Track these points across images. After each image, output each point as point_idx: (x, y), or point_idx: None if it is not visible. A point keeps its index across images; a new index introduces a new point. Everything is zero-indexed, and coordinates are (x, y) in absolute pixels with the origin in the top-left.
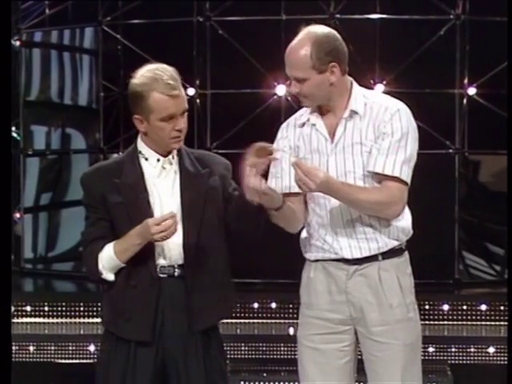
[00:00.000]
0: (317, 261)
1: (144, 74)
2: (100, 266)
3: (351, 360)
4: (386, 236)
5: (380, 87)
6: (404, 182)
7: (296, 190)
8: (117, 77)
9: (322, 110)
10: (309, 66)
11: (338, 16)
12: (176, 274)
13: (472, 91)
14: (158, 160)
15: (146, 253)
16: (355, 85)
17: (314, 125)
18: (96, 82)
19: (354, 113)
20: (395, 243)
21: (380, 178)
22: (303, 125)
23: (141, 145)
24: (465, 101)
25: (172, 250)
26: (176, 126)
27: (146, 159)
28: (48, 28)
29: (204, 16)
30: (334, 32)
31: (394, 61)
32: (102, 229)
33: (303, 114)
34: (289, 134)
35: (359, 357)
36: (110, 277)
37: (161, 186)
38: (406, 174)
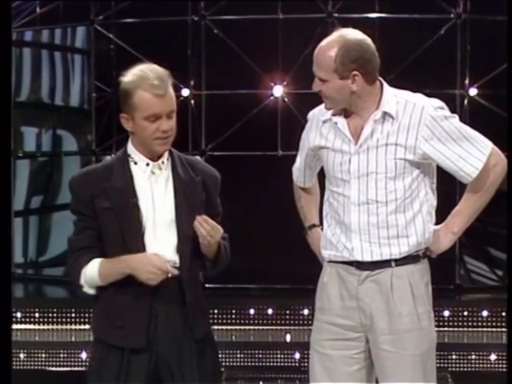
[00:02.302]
0: (331, 262)
1: (133, 72)
2: (82, 281)
3: (364, 367)
4: (401, 243)
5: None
6: (487, 152)
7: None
8: (109, 77)
9: (345, 111)
10: (331, 69)
11: (335, 15)
12: (170, 275)
13: (473, 92)
14: (148, 164)
15: (136, 251)
16: (386, 86)
17: (335, 123)
18: (88, 82)
19: (386, 114)
20: (410, 251)
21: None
22: (325, 121)
23: (130, 148)
24: (466, 101)
25: (166, 253)
26: (161, 126)
27: (136, 163)
28: (39, 27)
29: (199, 15)
30: (368, 41)
31: (394, 61)
32: (88, 238)
33: (325, 110)
34: (312, 126)
35: None
36: (90, 291)
37: (153, 190)
38: (482, 145)
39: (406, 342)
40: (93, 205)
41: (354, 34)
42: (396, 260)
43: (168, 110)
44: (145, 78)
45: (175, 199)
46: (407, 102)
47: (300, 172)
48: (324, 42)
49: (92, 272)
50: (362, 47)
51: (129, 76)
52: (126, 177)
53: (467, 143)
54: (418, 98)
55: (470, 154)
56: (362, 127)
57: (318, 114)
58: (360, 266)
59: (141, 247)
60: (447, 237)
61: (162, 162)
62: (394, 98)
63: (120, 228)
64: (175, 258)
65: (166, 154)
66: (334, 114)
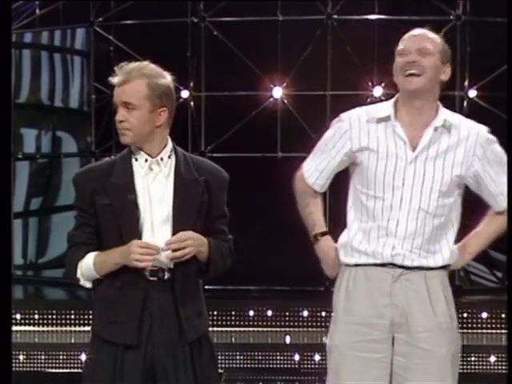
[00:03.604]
0: (357, 265)
1: None
2: (78, 274)
3: (389, 373)
4: (439, 259)
5: (379, 89)
6: None
7: (322, 190)
8: (109, 79)
9: (405, 115)
10: (436, 51)
11: (335, 17)
12: (166, 277)
13: (472, 93)
14: (146, 160)
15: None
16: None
17: (393, 126)
18: (87, 83)
19: (446, 123)
20: (442, 264)
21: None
22: (380, 121)
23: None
24: (465, 103)
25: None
26: (117, 116)
27: (137, 159)
28: (38, 28)
29: (198, 16)
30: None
31: (393, 63)
32: (86, 234)
33: (382, 108)
34: (353, 128)
35: None
36: (87, 284)
37: (150, 187)
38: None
39: (441, 340)
40: (93, 201)
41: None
42: (430, 268)
43: (121, 100)
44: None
45: (173, 198)
46: (462, 120)
47: (322, 175)
48: (425, 30)
49: (87, 264)
50: (446, 45)
51: None
52: (126, 173)
53: (504, 180)
54: (469, 120)
55: (504, 191)
56: (420, 135)
57: (362, 115)
58: (394, 266)
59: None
60: (463, 256)
61: (161, 159)
62: (447, 111)
63: (117, 225)
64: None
65: (168, 151)
66: (391, 114)
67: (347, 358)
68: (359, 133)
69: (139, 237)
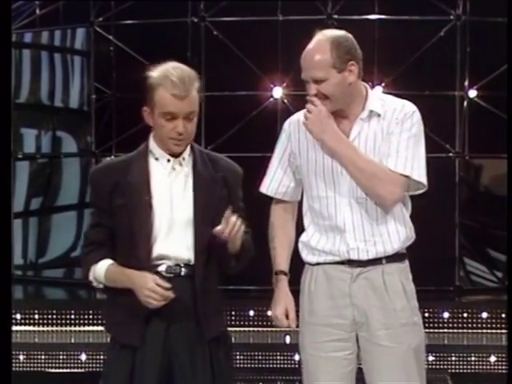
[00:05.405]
0: (318, 264)
1: (161, 68)
2: (91, 277)
3: (354, 369)
4: (394, 241)
5: (379, 89)
6: (407, 178)
7: (287, 197)
8: (109, 79)
9: (333, 114)
10: (329, 65)
11: (335, 17)
12: (183, 273)
13: (473, 93)
14: (169, 160)
15: (144, 254)
16: (370, 90)
17: None
18: (88, 83)
19: (373, 113)
20: (401, 246)
21: None
22: None
23: (152, 144)
24: (465, 103)
25: (179, 251)
26: (176, 127)
27: (157, 159)
28: (38, 29)
29: (198, 16)
30: (349, 34)
31: (393, 62)
32: (99, 234)
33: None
34: (292, 134)
35: (358, 365)
36: (100, 286)
37: (172, 188)
38: (418, 173)
39: (402, 336)
40: (110, 200)
41: (335, 30)
42: (387, 257)
43: (185, 112)
44: (168, 76)
45: (194, 197)
46: (391, 103)
47: (274, 179)
48: (311, 45)
49: (99, 273)
50: (349, 39)
51: (156, 71)
52: (143, 172)
53: (410, 151)
54: (400, 100)
55: (407, 157)
56: (349, 128)
57: (300, 118)
58: (351, 264)
59: (147, 248)
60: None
61: (183, 159)
62: (379, 100)
63: (130, 226)
64: (189, 257)
65: (188, 150)
66: None
67: (313, 358)
68: (298, 135)
69: (149, 239)
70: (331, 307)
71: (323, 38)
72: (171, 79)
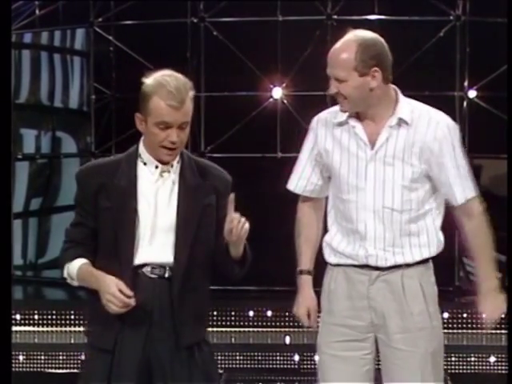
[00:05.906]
0: (338, 265)
1: (156, 76)
2: (65, 274)
3: (371, 369)
4: (415, 253)
5: None
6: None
7: (314, 194)
8: (109, 79)
9: (360, 116)
10: (351, 67)
11: (335, 17)
12: (167, 275)
13: (472, 94)
14: (157, 167)
15: (126, 258)
16: (401, 94)
17: (353, 127)
18: (87, 84)
19: (401, 121)
20: (422, 259)
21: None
22: (340, 124)
23: (142, 148)
24: (465, 104)
25: (161, 257)
26: (169, 136)
27: (145, 164)
28: (38, 29)
29: (198, 17)
30: (381, 39)
31: (393, 63)
32: (80, 233)
33: (339, 112)
34: (319, 134)
35: (377, 366)
36: (74, 283)
37: (158, 194)
38: (474, 187)
39: (419, 340)
40: (95, 201)
41: (367, 32)
42: (408, 264)
43: (180, 122)
44: (164, 85)
45: (178, 204)
46: (422, 112)
47: (302, 177)
48: (339, 43)
49: (72, 271)
50: (378, 43)
51: (151, 79)
52: (130, 177)
53: (464, 172)
54: (433, 111)
55: (465, 181)
56: (377, 133)
57: (328, 117)
58: (370, 267)
59: (130, 253)
60: (486, 292)
61: (172, 166)
62: (408, 105)
63: (114, 229)
64: (170, 263)
65: (177, 157)
66: (348, 118)
67: (329, 357)
68: (325, 134)
69: (132, 244)
70: (349, 308)
71: (352, 39)
72: (167, 89)
